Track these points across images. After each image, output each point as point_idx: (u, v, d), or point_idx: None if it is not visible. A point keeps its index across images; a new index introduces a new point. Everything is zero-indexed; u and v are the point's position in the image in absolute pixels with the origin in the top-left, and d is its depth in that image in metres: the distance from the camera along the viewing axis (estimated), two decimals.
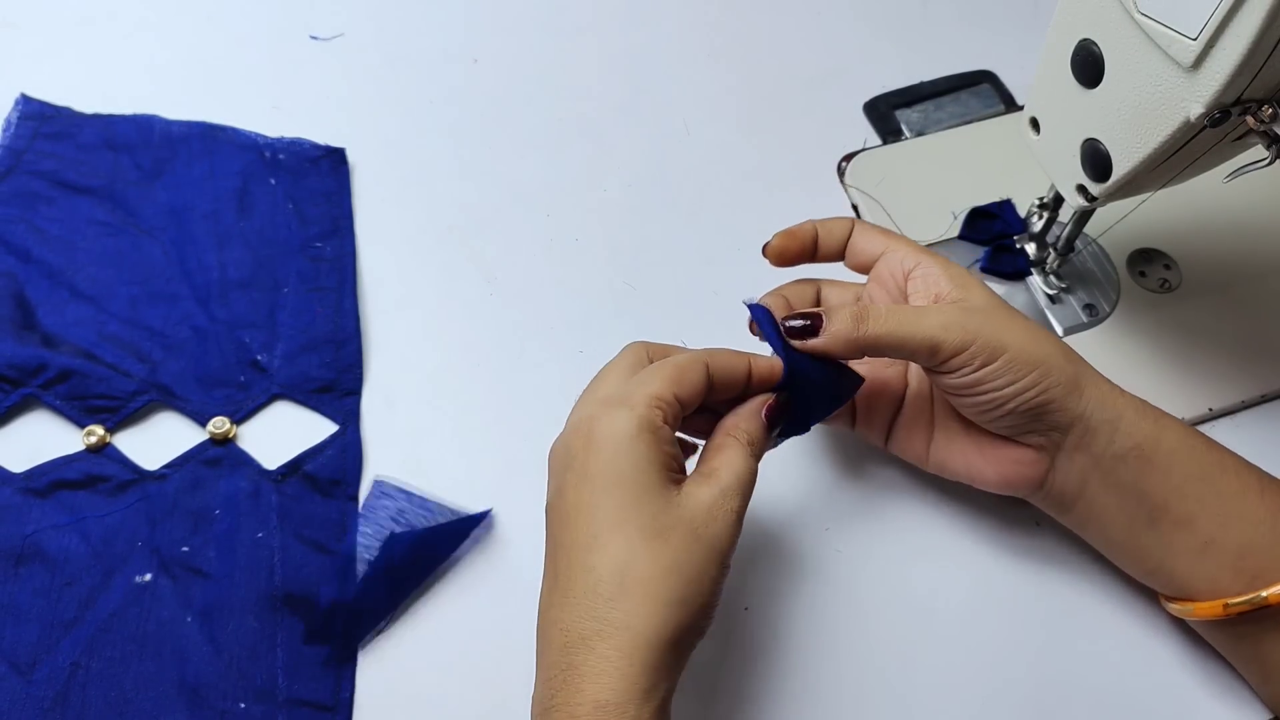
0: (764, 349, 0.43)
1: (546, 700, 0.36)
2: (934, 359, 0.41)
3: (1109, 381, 0.43)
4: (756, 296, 0.46)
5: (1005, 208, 0.57)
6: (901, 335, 0.41)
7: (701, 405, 0.41)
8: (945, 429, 0.46)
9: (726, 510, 0.38)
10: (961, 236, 0.57)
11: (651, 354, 0.42)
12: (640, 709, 0.35)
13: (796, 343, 0.42)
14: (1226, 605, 0.41)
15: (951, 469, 0.47)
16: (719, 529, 0.38)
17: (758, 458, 0.41)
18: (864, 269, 0.47)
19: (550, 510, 0.40)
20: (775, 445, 0.44)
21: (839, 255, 0.47)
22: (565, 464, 0.39)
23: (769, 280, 0.47)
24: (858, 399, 0.47)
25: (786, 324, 0.42)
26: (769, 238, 0.47)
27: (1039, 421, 0.42)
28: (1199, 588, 0.42)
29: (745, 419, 0.41)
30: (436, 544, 0.47)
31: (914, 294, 0.45)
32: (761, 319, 0.43)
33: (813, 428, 0.45)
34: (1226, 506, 0.42)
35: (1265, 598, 0.40)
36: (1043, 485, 0.44)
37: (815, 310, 0.42)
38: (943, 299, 0.44)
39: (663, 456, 0.38)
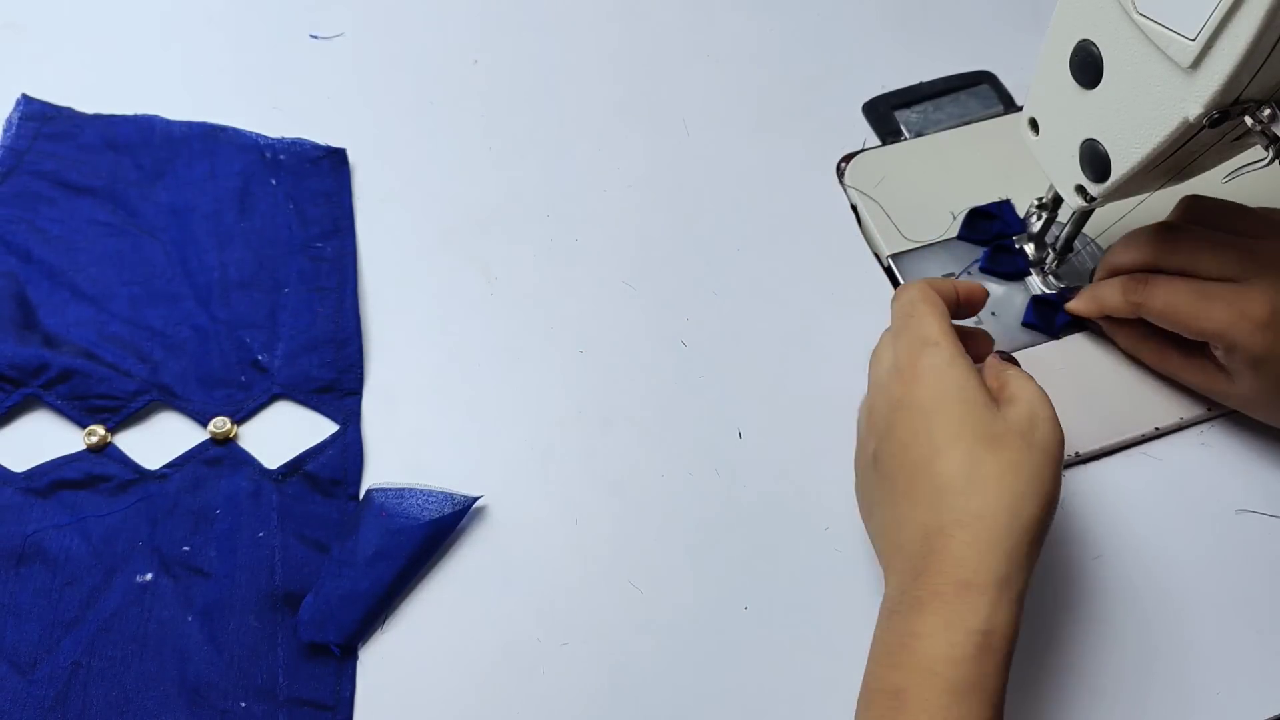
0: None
1: (901, 590, 0.39)
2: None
3: None
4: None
5: (1004, 208, 0.57)
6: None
7: None
8: None
9: (1043, 417, 0.41)
10: (960, 237, 0.57)
11: (938, 288, 0.46)
12: (999, 594, 0.37)
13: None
14: None
15: None
16: (1044, 433, 0.41)
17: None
18: None
19: (882, 449, 0.43)
20: None
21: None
22: (890, 406, 0.43)
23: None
24: None
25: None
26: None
27: None
28: None
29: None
30: (433, 533, 0.47)
31: None
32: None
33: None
34: None
35: None
36: None
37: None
38: None
39: (976, 378, 0.42)
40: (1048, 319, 0.54)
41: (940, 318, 0.44)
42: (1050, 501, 0.40)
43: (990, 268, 0.55)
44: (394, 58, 0.63)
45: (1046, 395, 0.43)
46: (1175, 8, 0.37)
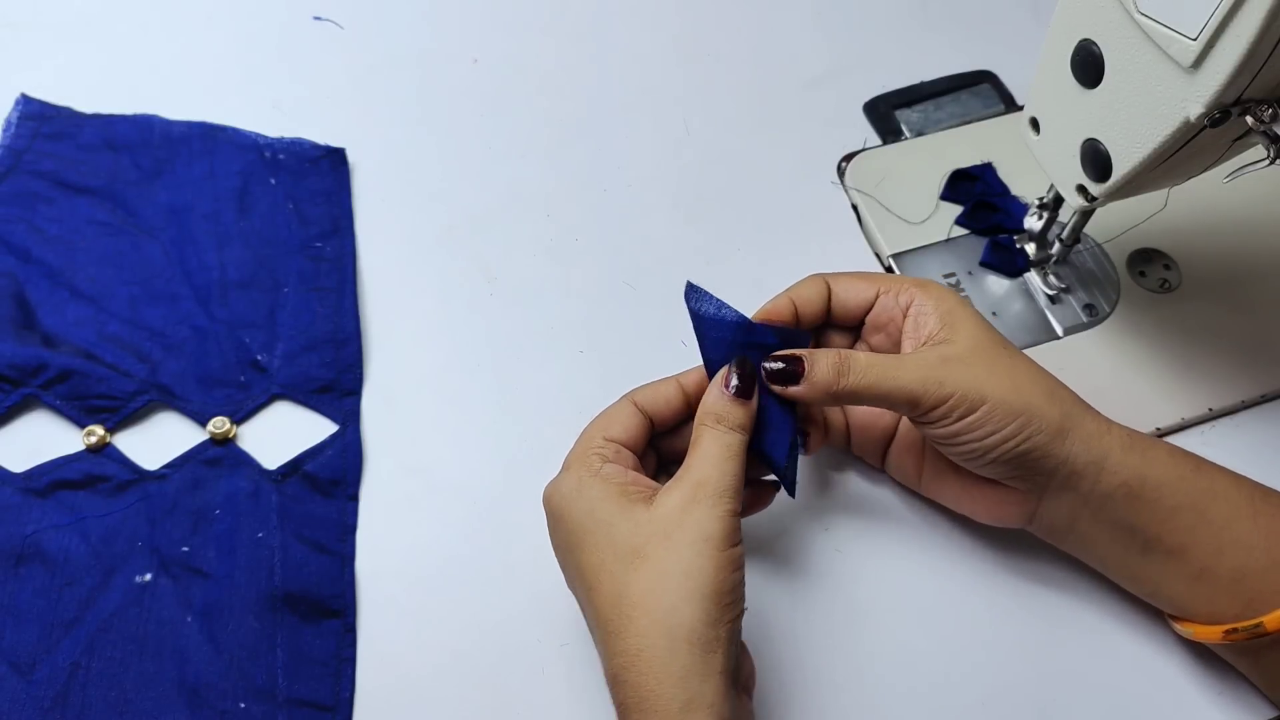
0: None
1: None
2: (914, 412, 0.42)
3: (1096, 417, 0.43)
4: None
5: (986, 170, 0.58)
6: (882, 389, 0.41)
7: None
8: (934, 465, 0.47)
9: (701, 499, 0.38)
10: (943, 198, 0.58)
11: (637, 400, 0.43)
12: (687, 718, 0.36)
13: (776, 387, 0.42)
14: (1225, 633, 0.42)
15: (941, 501, 0.48)
16: (697, 519, 0.38)
17: (738, 430, 0.41)
18: (858, 320, 0.46)
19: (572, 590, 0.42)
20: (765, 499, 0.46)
21: (823, 317, 0.46)
22: (554, 546, 0.42)
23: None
24: (851, 420, 0.49)
25: (765, 366, 0.42)
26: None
27: (1022, 468, 0.42)
28: (1197, 610, 0.43)
29: (708, 400, 0.41)
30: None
31: (907, 336, 0.44)
32: (711, 316, 0.42)
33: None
34: (1218, 535, 0.42)
35: (1263, 625, 0.40)
36: (1031, 520, 0.45)
37: (797, 354, 0.42)
38: (932, 340, 0.43)
39: (615, 489, 0.39)
40: (1007, 261, 0.55)
41: (592, 435, 0.42)
42: (714, 596, 0.37)
43: (990, 261, 0.56)
44: (394, 57, 0.63)
45: (729, 458, 0.40)
46: (1177, 7, 0.37)
